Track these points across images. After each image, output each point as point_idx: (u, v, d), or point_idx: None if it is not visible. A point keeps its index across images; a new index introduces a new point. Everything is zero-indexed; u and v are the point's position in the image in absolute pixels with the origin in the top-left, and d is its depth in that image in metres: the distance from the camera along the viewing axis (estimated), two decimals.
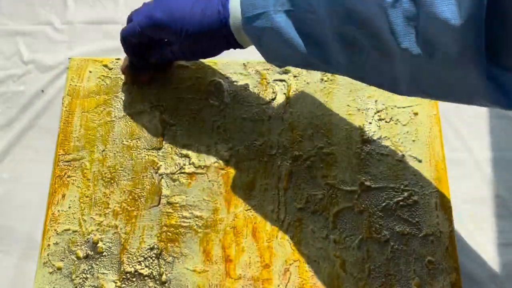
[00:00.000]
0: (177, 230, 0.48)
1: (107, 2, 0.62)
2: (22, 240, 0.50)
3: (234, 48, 0.46)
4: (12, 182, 0.53)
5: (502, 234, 0.51)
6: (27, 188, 0.52)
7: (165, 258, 0.47)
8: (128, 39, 0.48)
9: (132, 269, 0.47)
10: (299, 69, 0.55)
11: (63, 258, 0.47)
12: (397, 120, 0.53)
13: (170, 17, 0.44)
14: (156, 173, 0.50)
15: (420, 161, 0.51)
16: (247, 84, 0.54)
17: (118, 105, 0.53)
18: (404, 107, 0.53)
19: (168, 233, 0.48)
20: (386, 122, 0.53)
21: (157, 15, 0.44)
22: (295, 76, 0.55)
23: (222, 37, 0.44)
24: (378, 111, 0.53)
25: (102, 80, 0.54)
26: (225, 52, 0.59)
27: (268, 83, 0.54)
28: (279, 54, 0.43)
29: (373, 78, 0.40)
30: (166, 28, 0.44)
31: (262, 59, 0.56)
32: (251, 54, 0.58)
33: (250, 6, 0.40)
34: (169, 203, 0.49)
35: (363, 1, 0.34)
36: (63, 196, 0.50)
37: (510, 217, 0.51)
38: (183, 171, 0.51)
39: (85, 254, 0.48)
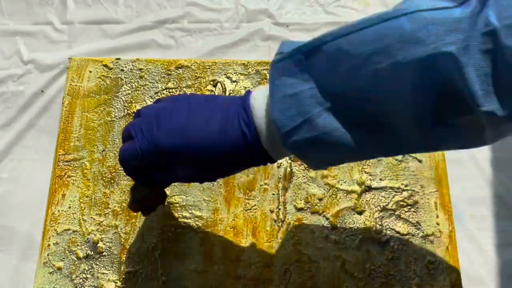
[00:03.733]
0: (177, 230, 0.48)
1: (106, 2, 0.61)
2: (22, 240, 0.50)
3: (263, 164, 0.37)
4: (12, 182, 0.53)
5: (502, 234, 0.51)
6: (27, 188, 0.52)
7: (165, 258, 0.47)
8: (127, 163, 0.38)
9: (133, 269, 0.47)
10: None
11: (63, 258, 0.47)
12: None
13: (180, 142, 0.35)
14: None
15: (420, 161, 0.51)
16: (247, 84, 0.54)
17: (118, 105, 0.53)
18: None
19: (169, 233, 0.48)
20: None
21: (163, 141, 0.36)
22: None
23: (247, 155, 0.36)
24: None
25: (102, 80, 0.54)
26: (226, 52, 0.59)
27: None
28: (329, 158, 0.36)
29: (453, 145, 0.34)
30: (175, 154, 0.36)
31: (263, 59, 0.56)
32: (250, 54, 0.59)
33: (287, 119, 0.32)
34: (169, 203, 0.49)
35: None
36: (63, 196, 0.50)
37: (510, 217, 0.51)
38: None
39: (85, 254, 0.47)
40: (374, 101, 0.31)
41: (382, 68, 0.29)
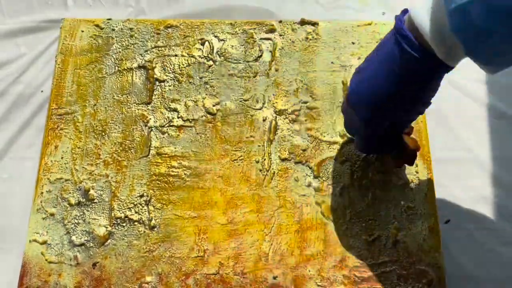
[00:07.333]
0: (166, 179, 0.50)
1: (107, 2, 0.62)
2: (22, 240, 0.49)
3: (441, 74, 0.38)
4: (12, 181, 0.53)
5: (502, 234, 0.51)
6: (26, 187, 0.52)
7: (154, 204, 0.49)
8: (367, 146, 0.47)
9: (122, 215, 0.49)
10: (284, 28, 0.57)
11: (55, 204, 0.49)
12: None
13: (370, 104, 0.41)
14: (146, 126, 0.52)
15: None
16: (234, 42, 0.56)
17: (109, 62, 0.55)
18: None
19: (157, 182, 0.50)
20: None
21: (364, 114, 0.41)
22: (280, 35, 0.56)
23: (426, 70, 0.37)
24: None
25: (94, 39, 0.56)
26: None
27: (255, 41, 0.56)
28: (496, 48, 0.33)
29: None
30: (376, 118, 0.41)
31: (250, 19, 0.58)
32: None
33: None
34: (158, 153, 0.51)
35: None
36: (56, 147, 0.51)
37: (510, 217, 0.52)
38: (172, 124, 0.52)
39: (77, 201, 0.49)
40: None
41: None
